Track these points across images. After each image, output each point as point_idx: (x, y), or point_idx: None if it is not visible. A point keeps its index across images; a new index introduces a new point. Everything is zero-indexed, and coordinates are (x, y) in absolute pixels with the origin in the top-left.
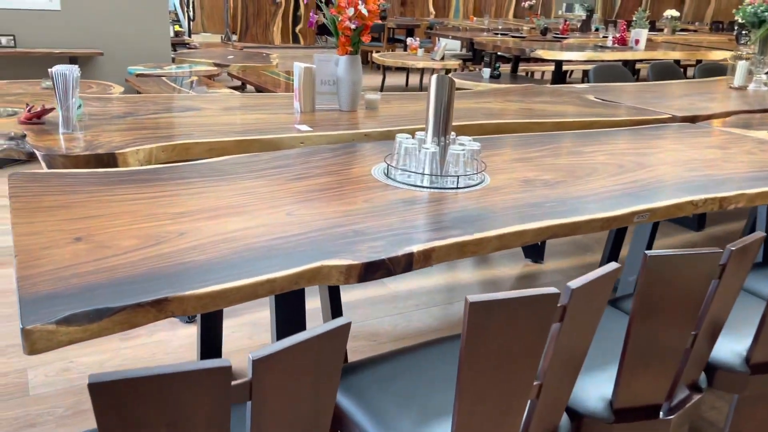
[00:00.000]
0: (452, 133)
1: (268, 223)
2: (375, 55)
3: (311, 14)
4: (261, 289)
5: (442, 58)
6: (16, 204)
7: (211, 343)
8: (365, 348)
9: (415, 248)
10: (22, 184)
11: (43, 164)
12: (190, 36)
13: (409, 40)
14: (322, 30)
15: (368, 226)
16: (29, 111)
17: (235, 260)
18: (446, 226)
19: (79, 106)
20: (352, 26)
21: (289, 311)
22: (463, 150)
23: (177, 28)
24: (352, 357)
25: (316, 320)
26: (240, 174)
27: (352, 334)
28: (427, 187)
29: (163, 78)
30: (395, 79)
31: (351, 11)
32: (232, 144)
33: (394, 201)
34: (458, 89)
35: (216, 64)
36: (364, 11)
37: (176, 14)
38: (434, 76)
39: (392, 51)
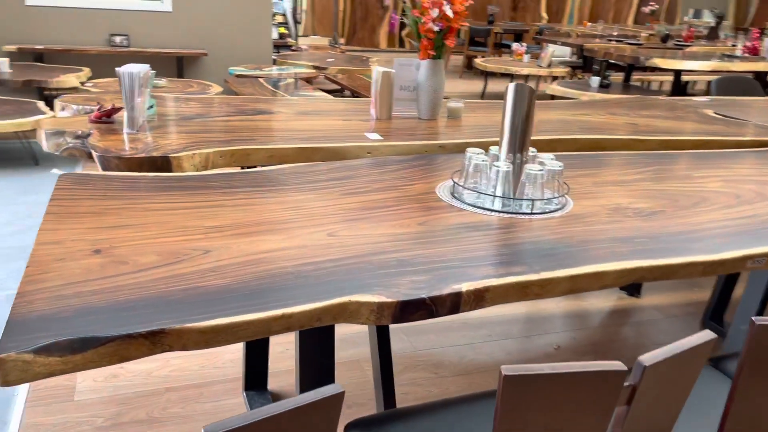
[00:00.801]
0: (531, 149)
1: (305, 244)
2: (478, 60)
3: (392, 16)
4: (275, 325)
5: (549, 65)
6: (52, 208)
7: (255, 362)
8: (424, 381)
9: (465, 286)
10: (67, 186)
11: (98, 165)
12: (296, 39)
13: (514, 46)
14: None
15: (416, 255)
16: (99, 110)
17: (255, 287)
18: (509, 260)
19: (151, 107)
20: (436, 28)
21: (313, 350)
22: (541, 170)
23: (282, 30)
24: (410, 389)
25: (361, 346)
26: (292, 185)
27: (413, 363)
28: (496, 211)
29: (260, 79)
30: (499, 86)
31: (435, 12)
32: (293, 151)
33: (454, 226)
34: (560, 98)
35: (315, 67)
36: (450, 12)
37: (285, 17)
38: (511, 84)
39: (498, 56)
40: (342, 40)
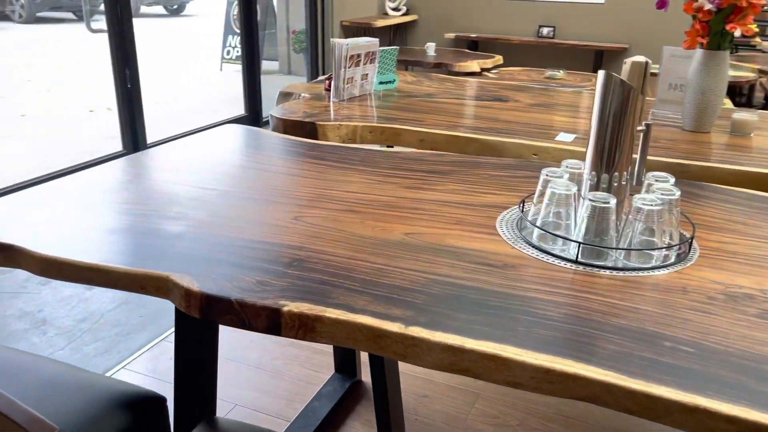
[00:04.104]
0: (646, 173)
1: (263, 220)
2: None
3: None
4: (96, 277)
5: None
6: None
7: None
8: None
9: (291, 307)
10: (220, 133)
11: (270, 124)
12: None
13: None
14: None
15: (342, 261)
16: (328, 79)
17: (157, 245)
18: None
19: (390, 81)
20: (710, 6)
21: (189, 344)
22: (648, 203)
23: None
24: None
25: None
26: (373, 168)
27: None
28: (568, 260)
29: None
30: None
31: None
32: (444, 138)
33: (437, 246)
34: None
35: (762, 71)
36: None
37: None
38: (600, 72)
39: None
40: None
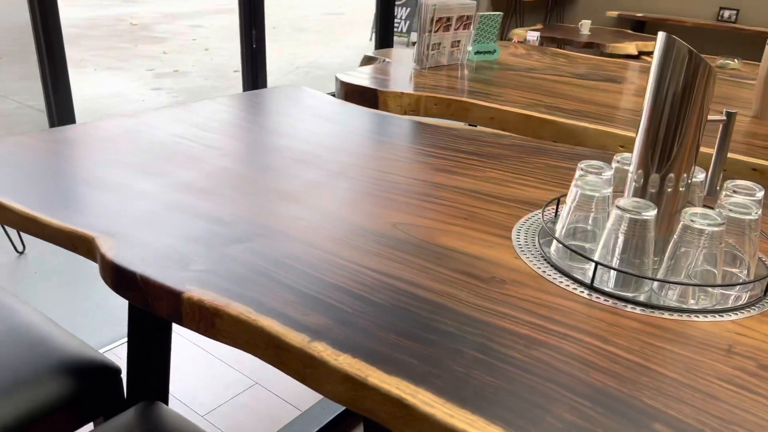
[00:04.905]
0: (722, 178)
1: (239, 187)
2: None
3: None
4: (32, 227)
5: None
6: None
7: None
8: None
9: (193, 294)
10: (273, 95)
11: (334, 86)
12: None
13: None
14: None
15: (303, 253)
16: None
17: (114, 202)
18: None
19: (493, 52)
20: None
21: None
22: (713, 224)
23: None
24: None
25: None
26: (407, 142)
27: None
28: (583, 285)
29: None
30: None
31: None
32: (516, 117)
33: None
34: None
35: None
36: None
37: None
38: (661, 35)
39: None
40: None
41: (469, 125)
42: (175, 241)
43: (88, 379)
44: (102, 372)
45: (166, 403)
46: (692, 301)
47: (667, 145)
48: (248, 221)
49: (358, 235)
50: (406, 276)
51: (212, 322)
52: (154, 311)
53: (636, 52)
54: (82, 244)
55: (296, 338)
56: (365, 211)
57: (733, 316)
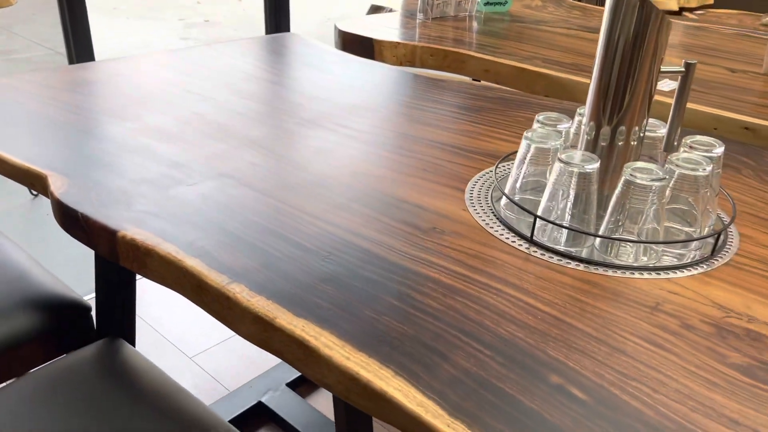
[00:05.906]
0: (681, 133)
1: (211, 124)
2: None
3: None
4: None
5: None
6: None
7: None
8: None
9: (128, 233)
10: (266, 42)
11: (335, 36)
12: None
13: None
14: None
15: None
16: None
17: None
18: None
19: (504, 3)
20: None
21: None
22: (655, 179)
23: None
24: None
25: None
26: (391, 91)
27: None
28: (523, 238)
29: None
30: None
31: None
32: (510, 70)
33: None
34: None
35: None
36: None
37: None
38: None
39: None
40: None
41: (474, 80)
42: (125, 182)
43: (60, 315)
44: (73, 308)
45: (133, 341)
46: (632, 259)
47: (618, 96)
48: (204, 166)
49: (314, 184)
50: (346, 224)
51: (144, 262)
52: (98, 250)
53: (677, 8)
54: (38, 182)
55: (216, 279)
56: (328, 162)
57: (671, 275)
